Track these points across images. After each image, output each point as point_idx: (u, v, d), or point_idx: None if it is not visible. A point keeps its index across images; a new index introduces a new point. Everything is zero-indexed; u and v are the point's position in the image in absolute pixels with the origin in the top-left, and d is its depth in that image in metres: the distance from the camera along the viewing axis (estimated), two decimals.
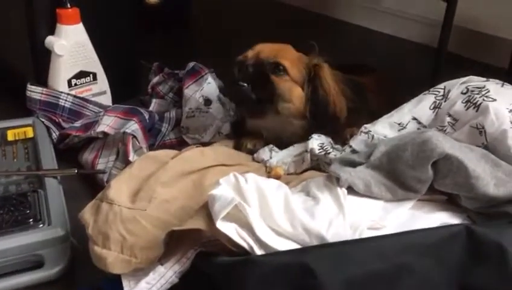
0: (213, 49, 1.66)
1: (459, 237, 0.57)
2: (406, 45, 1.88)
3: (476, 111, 0.75)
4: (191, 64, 1.24)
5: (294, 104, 0.93)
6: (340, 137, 0.94)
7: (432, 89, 0.83)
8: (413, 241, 0.57)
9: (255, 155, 0.95)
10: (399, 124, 0.82)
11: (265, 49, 0.94)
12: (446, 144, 0.67)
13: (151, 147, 1.06)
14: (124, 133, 0.98)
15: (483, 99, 0.75)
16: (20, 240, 0.77)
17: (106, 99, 1.24)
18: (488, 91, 0.76)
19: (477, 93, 0.76)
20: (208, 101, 1.10)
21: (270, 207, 0.63)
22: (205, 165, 0.83)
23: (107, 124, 1.02)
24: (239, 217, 0.62)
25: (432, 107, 0.81)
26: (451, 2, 1.28)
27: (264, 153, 0.94)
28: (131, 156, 0.96)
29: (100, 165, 1.01)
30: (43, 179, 0.91)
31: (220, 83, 1.17)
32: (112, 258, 0.68)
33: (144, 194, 0.74)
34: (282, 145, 0.95)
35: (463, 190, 0.68)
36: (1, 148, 1.02)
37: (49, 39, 1.13)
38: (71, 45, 1.14)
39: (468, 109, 0.76)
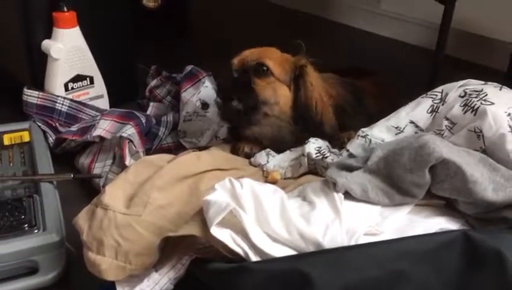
0: (211, 52, 1.66)
1: (457, 244, 0.56)
2: (405, 48, 1.88)
3: (474, 115, 0.74)
4: (189, 67, 1.24)
5: (280, 105, 0.92)
6: (337, 141, 0.93)
7: (429, 93, 0.82)
8: (410, 248, 0.57)
9: (252, 159, 0.94)
10: (396, 127, 0.82)
11: (250, 53, 0.93)
12: (443, 148, 0.66)
13: (148, 151, 1.05)
14: (121, 137, 0.97)
15: (481, 103, 0.74)
16: (15, 246, 0.76)
17: (103, 103, 1.24)
18: (486, 94, 0.75)
19: (475, 97, 0.75)
20: (205, 105, 1.09)
21: (266, 212, 0.63)
22: (201, 169, 0.82)
23: (104, 128, 1.01)
24: (234, 223, 0.61)
25: (429, 111, 0.81)
26: (449, 4, 1.27)
27: (261, 157, 0.93)
28: (128, 160, 0.95)
29: (96, 169, 1.00)
30: (39, 184, 0.90)
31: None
32: (106, 265, 0.67)
33: (139, 199, 0.74)
34: (279, 150, 0.94)
35: (461, 195, 0.67)
36: None
37: (46, 43, 1.13)
38: (68, 49, 1.14)
39: (465, 112, 0.75)
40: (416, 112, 0.81)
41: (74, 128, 1.10)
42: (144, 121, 1.06)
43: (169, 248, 0.65)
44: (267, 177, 0.89)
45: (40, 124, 1.12)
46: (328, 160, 0.85)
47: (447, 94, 0.80)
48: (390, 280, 0.55)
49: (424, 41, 1.80)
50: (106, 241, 0.69)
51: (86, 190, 0.98)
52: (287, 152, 0.92)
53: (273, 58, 0.92)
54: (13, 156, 1.01)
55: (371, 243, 0.60)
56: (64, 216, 0.85)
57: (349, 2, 2.11)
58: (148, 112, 1.20)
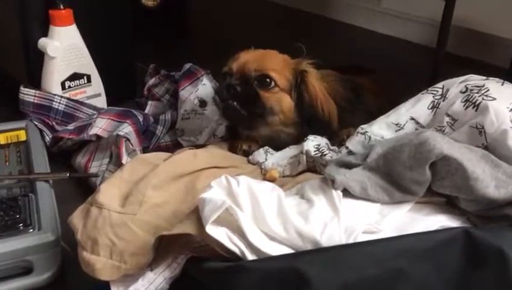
0: (210, 50, 1.65)
1: (457, 241, 0.55)
2: (406, 46, 1.87)
3: (476, 110, 0.73)
4: (187, 65, 1.23)
5: (284, 115, 0.92)
6: (336, 138, 0.92)
7: (430, 88, 0.81)
8: (410, 246, 0.55)
9: (250, 157, 0.93)
10: (396, 124, 0.80)
11: (249, 59, 0.91)
12: (444, 145, 0.65)
13: (146, 150, 1.04)
14: (117, 135, 0.97)
15: (483, 99, 0.73)
16: (9, 246, 0.75)
17: (101, 102, 1.23)
18: (488, 90, 0.74)
19: (477, 92, 0.74)
20: (203, 103, 1.08)
21: (263, 210, 0.62)
22: (198, 167, 0.81)
23: (100, 126, 1.00)
24: (230, 221, 0.60)
25: (430, 107, 0.79)
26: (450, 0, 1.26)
27: (260, 155, 0.92)
28: (125, 159, 0.94)
29: (93, 168, 0.99)
30: (34, 183, 0.90)
31: (216, 84, 1.15)
32: (101, 264, 0.66)
33: (134, 198, 0.72)
34: (277, 148, 0.93)
35: (462, 192, 0.66)
36: None
37: (42, 41, 1.12)
38: (64, 47, 1.13)
39: (467, 108, 0.74)
40: (416, 108, 0.80)
41: (71, 127, 1.09)
42: (141, 119, 1.05)
43: (164, 246, 0.64)
44: (265, 175, 0.87)
45: (36, 123, 1.11)
46: (327, 157, 0.84)
47: (448, 90, 0.79)
48: (390, 279, 0.53)
49: (425, 39, 1.79)
50: (101, 240, 0.68)
51: (82, 189, 0.97)
52: (286, 150, 0.91)
53: (276, 68, 0.91)
54: (9, 155, 1.00)
55: (369, 241, 0.59)
56: (60, 215, 0.84)
57: (349, 1, 2.10)
58: (146, 111, 1.19)
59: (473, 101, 0.74)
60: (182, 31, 1.90)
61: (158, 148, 1.07)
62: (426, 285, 0.54)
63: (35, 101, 1.13)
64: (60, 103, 1.14)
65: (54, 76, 1.14)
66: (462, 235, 0.56)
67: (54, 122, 1.13)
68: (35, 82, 1.16)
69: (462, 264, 0.54)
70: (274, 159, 0.90)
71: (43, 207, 0.83)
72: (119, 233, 0.69)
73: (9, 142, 1.05)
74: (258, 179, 0.76)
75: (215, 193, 0.62)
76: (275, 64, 0.92)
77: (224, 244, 0.58)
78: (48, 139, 1.09)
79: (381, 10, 1.99)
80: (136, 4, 1.72)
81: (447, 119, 0.76)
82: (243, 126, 0.97)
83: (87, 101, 1.19)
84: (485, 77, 0.79)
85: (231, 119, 0.98)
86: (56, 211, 0.85)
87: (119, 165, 0.94)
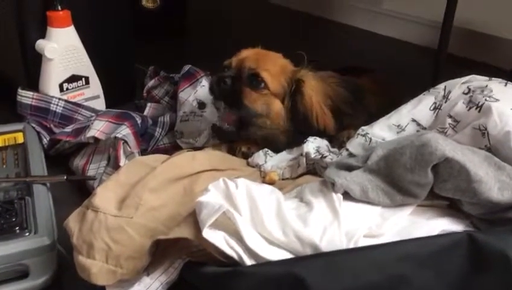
0: (210, 52, 1.64)
1: (461, 246, 0.54)
2: (407, 47, 1.86)
3: (478, 112, 0.72)
4: (187, 67, 1.22)
5: (271, 119, 0.91)
6: (336, 140, 0.91)
7: (431, 89, 0.80)
8: (411, 251, 0.54)
9: (250, 159, 0.92)
10: (398, 126, 0.79)
11: (249, 56, 0.91)
12: (446, 147, 0.64)
13: (144, 152, 1.03)
14: (115, 138, 0.95)
15: (486, 100, 0.72)
16: (5, 249, 0.74)
17: (99, 104, 1.22)
18: (491, 91, 0.73)
19: (480, 93, 0.73)
20: (202, 105, 1.07)
21: (261, 214, 0.61)
22: (196, 170, 0.80)
23: (98, 128, 0.99)
24: (228, 225, 0.59)
25: (431, 108, 0.78)
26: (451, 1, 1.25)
27: (259, 157, 0.91)
28: (122, 162, 0.93)
29: (91, 171, 0.98)
30: (31, 185, 0.88)
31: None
32: (96, 269, 0.65)
33: (131, 201, 0.71)
34: (277, 149, 0.92)
35: (465, 195, 0.64)
36: None
37: (40, 42, 1.11)
38: (62, 48, 1.12)
39: (470, 109, 0.73)
40: (418, 110, 0.79)
41: (68, 129, 1.08)
42: (139, 121, 1.04)
43: (161, 251, 0.63)
44: (264, 178, 0.86)
45: (34, 125, 1.10)
46: (327, 160, 0.83)
47: (450, 91, 0.78)
48: (391, 285, 0.52)
49: (426, 40, 1.78)
50: (96, 244, 0.67)
51: (80, 192, 0.96)
52: (285, 152, 0.90)
53: (270, 70, 0.89)
54: (6, 158, 0.99)
55: (370, 246, 0.57)
56: (57, 218, 0.82)
57: (351, 2, 2.09)
58: (145, 113, 1.18)
59: (476, 102, 0.73)
60: (181, 32, 1.90)
61: (156, 151, 1.06)
62: None
63: (33, 103, 1.12)
64: (57, 105, 1.13)
65: (52, 78, 1.13)
66: (465, 239, 0.55)
67: (51, 125, 1.12)
68: (33, 84, 1.15)
69: (465, 270, 0.53)
70: (273, 161, 0.89)
71: (39, 210, 0.82)
72: (115, 237, 0.68)
73: (7, 144, 1.03)
74: (257, 182, 0.76)
75: (212, 196, 0.61)
76: (272, 66, 0.90)
77: (221, 248, 0.57)
78: (45, 141, 1.08)
79: (382, 11, 1.98)
80: (137, 5, 1.72)
81: (449, 120, 0.75)
82: (234, 138, 0.96)
83: (86, 103, 1.18)
84: (487, 78, 0.78)
85: (220, 138, 0.98)
86: (53, 214, 0.84)
87: (117, 167, 0.92)
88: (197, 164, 0.82)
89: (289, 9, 2.28)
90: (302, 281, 0.51)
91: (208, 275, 0.58)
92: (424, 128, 0.78)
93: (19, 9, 1.11)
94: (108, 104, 1.23)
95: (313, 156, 0.85)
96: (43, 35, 1.12)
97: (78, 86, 1.17)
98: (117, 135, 0.95)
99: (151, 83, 1.29)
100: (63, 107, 1.14)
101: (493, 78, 0.77)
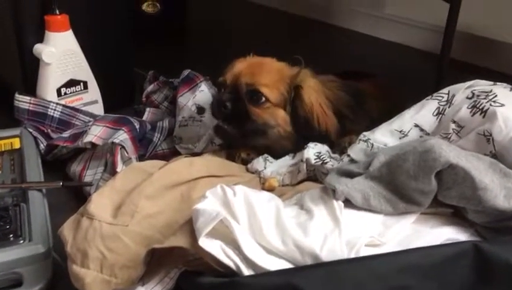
0: (210, 57, 1.63)
1: (466, 257, 0.52)
2: (409, 52, 1.85)
3: (483, 117, 0.70)
4: (186, 72, 1.21)
5: (281, 127, 0.89)
6: (338, 145, 0.89)
7: (435, 94, 0.78)
8: (415, 261, 0.52)
9: (249, 165, 0.90)
10: (400, 131, 0.78)
11: (243, 71, 0.89)
12: (450, 153, 0.62)
13: (142, 158, 1.02)
14: (112, 143, 0.94)
15: (491, 105, 0.70)
16: None
17: (98, 109, 1.21)
18: (496, 95, 0.71)
19: (484, 98, 0.71)
20: (201, 110, 1.06)
21: (260, 222, 0.59)
22: (194, 176, 0.79)
23: (95, 134, 0.98)
24: (225, 234, 0.57)
25: (435, 114, 0.77)
26: (454, 1, 1.24)
27: (258, 163, 0.89)
28: (120, 167, 0.91)
29: (88, 177, 0.97)
30: (27, 192, 0.87)
31: (215, 90, 1.13)
32: (91, 279, 0.64)
33: (126, 208, 0.70)
34: (277, 155, 0.90)
35: (470, 203, 0.63)
36: None
37: (37, 47, 1.10)
38: (60, 53, 1.11)
39: (474, 114, 0.71)
40: (421, 115, 0.77)
41: (66, 134, 1.06)
42: (137, 126, 1.03)
43: (156, 260, 0.61)
44: (264, 184, 0.85)
45: (31, 130, 1.08)
46: (328, 166, 0.81)
47: (453, 95, 0.76)
48: None
49: (429, 45, 1.77)
50: (91, 253, 0.65)
51: (76, 198, 0.94)
52: (285, 158, 0.88)
53: (269, 83, 0.88)
54: (2, 164, 0.98)
55: (372, 256, 0.56)
56: (53, 225, 0.81)
57: (353, 7, 2.08)
58: (144, 118, 1.17)
59: (480, 107, 0.71)
60: (181, 37, 1.89)
61: (155, 156, 1.05)
62: None
63: (31, 108, 1.11)
64: (55, 110, 1.12)
65: (50, 82, 1.12)
66: (471, 249, 0.53)
67: (49, 130, 1.11)
68: (31, 89, 1.14)
69: (470, 281, 0.51)
70: (273, 167, 0.87)
71: (34, 217, 0.81)
72: (110, 245, 0.66)
73: (3, 150, 1.02)
74: (256, 188, 0.74)
75: (209, 204, 0.60)
76: (268, 77, 0.89)
77: (218, 258, 0.55)
78: (42, 147, 1.06)
79: (384, 16, 1.97)
80: (137, 10, 1.72)
81: (453, 126, 0.73)
82: (237, 145, 0.95)
83: (84, 108, 1.17)
84: (492, 82, 0.76)
85: (223, 140, 0.97)
86: (48, 221, 0.82)
87: (114, 173, 0.91)
88: (195, 170, 0.80)
89: (290, 13, 2.28)
90: None
91: (204, 285, 0.56)
92: (427, 134, 0.76)
93: (17, 13, 1.10)
94: (107, 109, 1.22)
95: (313, 162, 0.83)
96: (40, 39, 1.11)
97: (76, 91, 1.16)
98: (114, 140, 0.94)
99: (150, 87, 1.28)
100: (61, 112, 1.12)
101: (497, 83, 0.76)
